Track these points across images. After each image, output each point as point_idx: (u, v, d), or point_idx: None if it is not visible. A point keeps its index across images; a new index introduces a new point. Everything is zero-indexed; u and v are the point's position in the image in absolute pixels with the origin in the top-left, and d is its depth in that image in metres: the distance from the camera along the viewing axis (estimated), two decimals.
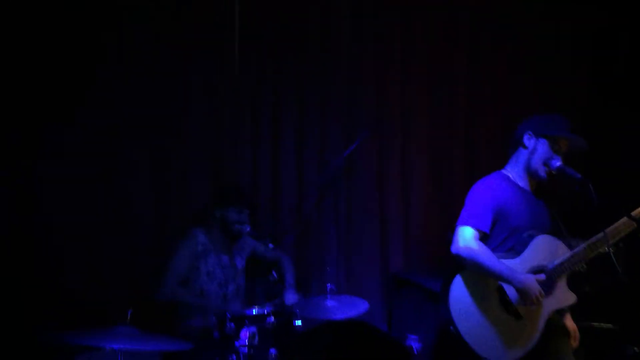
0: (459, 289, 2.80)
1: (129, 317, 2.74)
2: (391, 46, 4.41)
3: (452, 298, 2.78)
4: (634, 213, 2.75)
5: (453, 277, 2.81)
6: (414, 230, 4.40)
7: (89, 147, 3.87)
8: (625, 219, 2.74)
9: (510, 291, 2.77)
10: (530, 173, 2.91)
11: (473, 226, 2.79)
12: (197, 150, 4.08)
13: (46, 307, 3.67)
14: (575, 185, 2.82)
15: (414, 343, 3.88)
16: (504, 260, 2.79)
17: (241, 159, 4.15)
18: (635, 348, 3.20)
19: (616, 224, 2.76)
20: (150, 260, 3.88)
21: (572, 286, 2.90)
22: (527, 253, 2.81)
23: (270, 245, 3.51)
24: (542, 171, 2.87)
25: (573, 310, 3.32)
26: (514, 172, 2.95)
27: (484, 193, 2.87)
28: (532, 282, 2.72)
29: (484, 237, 2.83)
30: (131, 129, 3.96)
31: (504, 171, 2.98)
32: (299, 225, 4.20)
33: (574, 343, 2.91)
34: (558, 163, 2.86)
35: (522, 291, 2.72)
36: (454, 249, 2.79)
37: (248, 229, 3.58)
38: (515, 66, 4.60)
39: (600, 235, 2.73)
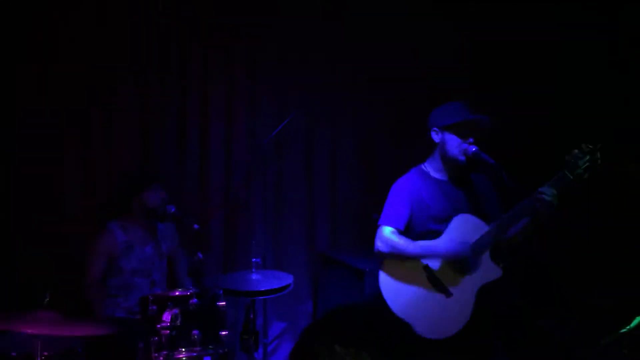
0: (387, 282, 2.97)
1: (46, 301, 2.70)
2: (321, 24, 4.38)
3: (384, 291, 2.95)
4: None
5: (378, 275, 3.00)
6: (340, 209, 4.48)
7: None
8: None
9: (435, 267, 2.92)
10: (449, 162, 3.01)
11: (389, 225, 2.99)
12: (123, 127, 4.00)
13: None
14: (489, 169, 2.96)
15: None
16: (425, 242, 2.95)
17: (168, 137, 4.09)
18: (542, 324, 3.40)
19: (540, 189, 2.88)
20: (74, 246, 3.80)
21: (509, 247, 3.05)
22: (447, 232, 2.95)
23: (195, 226, 3.49)
24: (460, 156, 2.97)
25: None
26: (431, 166, 3.07)
27: (399, 193, 3.04)
28: (455, 245, 2.90)
29: (403, 233, 2.99)
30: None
31: (422, 166, 3.10)
32: (227, 203, 4.21)
33: None
34: (473, 148, 2.96)
35: (449, 257, 2.90)
36: (375, 248, 3.00)
37: (173, 210, 3.55)
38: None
39: (519, 204, 2.86)
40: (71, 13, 3.85)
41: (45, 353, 2.76)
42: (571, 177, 2.82)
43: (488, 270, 2.91)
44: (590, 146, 2.85)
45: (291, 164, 4.37)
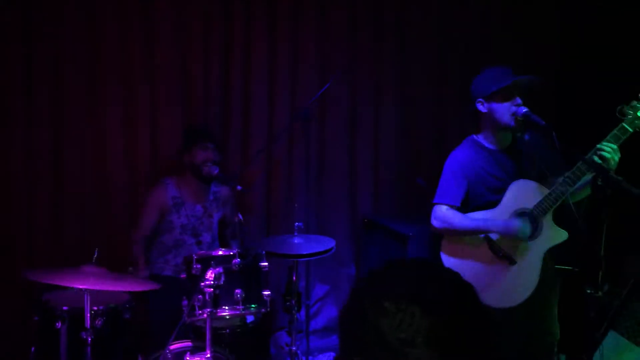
0: (449, 260, 2.94)
1: (95, 258, 2.77)
2: None
3: (444, 259, 2.94)
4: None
5: (440, 242, 2.97)
6: (382, 173, 4.44)
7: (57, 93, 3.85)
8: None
9: (495, 236, 2.86)
10: (501, 129, 2.91)
11: (445, 203, 2.92)
12: (166, 92, 4.03)
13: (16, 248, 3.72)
14: (539, 131, 2.87)
15: None
16: (484, 212, 2.90)
17: (211, 100, 4.11)
18: (589, 290, 3.32)
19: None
20: (121, 203, 3.92)
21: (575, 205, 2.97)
22: (505, 200, 2.88)
23: (239, 188, 3.51)
24: (510, 121, 2.87)
25: None
26: (482, 136, 2.98)
27: (453, 169, 2.96)
28: (508, 222, 2.83)
29: (459, 209, 2.92)
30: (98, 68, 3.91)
31: (474, 136, 3.01)
32: (269, 167, 4.22)
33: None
34: (523, 110, 2.86)
35: (505, 234, 2.83)
36: (432, 226, 2.95)
37: (217, 171, 3.58)
38: (490, 19, 4.52)
39: (578, 165, 2.75)
40: None
41: (95, 308, 2.85)
42: (631, 129, 2.71)
43: (552, 234, 2.84)
44: None
45: (333, 127, 4.34)
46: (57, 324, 2.85)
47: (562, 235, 2.85)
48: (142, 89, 3.98)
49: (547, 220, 2.84)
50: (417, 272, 1.17)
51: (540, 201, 2.82)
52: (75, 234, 3.85)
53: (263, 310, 2.99)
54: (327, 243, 3.45)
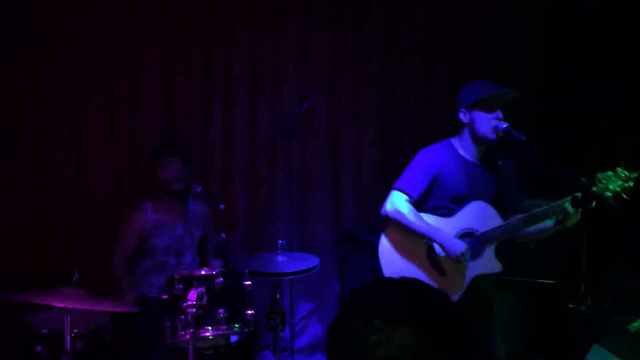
0: (386, 246, 3.00)
1: (75, 279, 2.74)
2: (347, 3, 4.34)
3: (381, 253, 2.99)
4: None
5: (379, 238, 3.01)
6: (366, 188, 4.42)
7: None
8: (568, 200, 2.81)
9: (437, 247, 2.92)
10: (480, 140, 2.95)
11: (404, 191, 2.95)
12: (147, 109, 4.03)
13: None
14: (519, 147, 2.90)
15: None
16: (437, 218, 2.94)
17: (193, 116, 4.11)
18: (572, 304, 3.34)
19: (559, 202, 2.85)
20: (103, 225, 3.90)
21: (519, 243, 3.03)
22: (460, 214, 2.93)
23: (222, 206, 3.49)
24: (490, 133, 2.92)
25: (520, 266, 3.47)
26: (460, 144, 3.02)
27: (423, 162, 3.00)
28: (455, 242, 2.87)
29: (415, 203, 2.96)
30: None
31: (452, 140, 3.05)
32: (252, 184, 4.21)
33: None
34: (504, 125, 2.91)
35: (445, 249, 2.87)
36: (382, 211, 2.98)
37: (199, 190, 3.56)
38: (474, 28, 4.54)
39: (537, 211, 2.84)
40: None
41: (75, 330, 2.81)
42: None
43: (488, 263, 2.89)
44: (626, 173, 2.77)
45: (316, 143, 4.33)
46: (37, 347, 2.80)
47: (496, 267, 2.90)
48: (125, 97, 4.01)
49: (490, 249, 2.90)
50: (406, 292, 1.19)
51: (490, 229, 2.88)
52: (56, 247, 3.83)
53: (247, 329, 2.97)
54: (310, 261, 3.44)
